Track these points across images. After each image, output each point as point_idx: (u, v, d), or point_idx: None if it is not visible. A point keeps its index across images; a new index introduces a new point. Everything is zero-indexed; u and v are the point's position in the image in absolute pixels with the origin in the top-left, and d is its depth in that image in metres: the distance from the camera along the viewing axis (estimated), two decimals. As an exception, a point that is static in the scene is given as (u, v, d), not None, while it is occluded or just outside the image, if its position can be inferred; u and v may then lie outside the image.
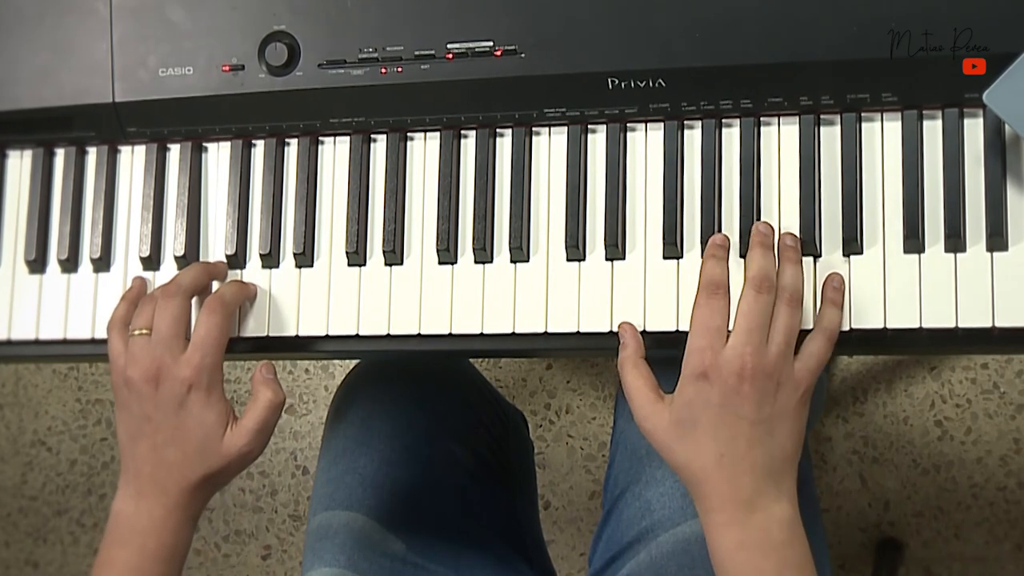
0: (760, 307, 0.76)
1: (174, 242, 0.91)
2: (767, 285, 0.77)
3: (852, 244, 0.80)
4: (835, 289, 0.79)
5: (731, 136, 0.83)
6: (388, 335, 0.86)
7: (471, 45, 0.84)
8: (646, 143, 0.85)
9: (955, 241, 0.78)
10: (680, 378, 0.77)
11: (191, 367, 0.82)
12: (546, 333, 0.84)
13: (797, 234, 0.81)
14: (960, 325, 0.78)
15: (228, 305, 0.84)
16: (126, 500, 0.83)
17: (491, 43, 0.83)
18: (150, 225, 0.91)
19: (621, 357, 0.80)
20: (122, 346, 0.84)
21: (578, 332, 0.83)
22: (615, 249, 0.83)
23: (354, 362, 1.12)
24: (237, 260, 0.90)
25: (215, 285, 0.89)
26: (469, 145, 0.87)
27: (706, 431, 0.75)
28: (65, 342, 0.92)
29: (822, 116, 0.82)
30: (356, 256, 0.87)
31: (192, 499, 0.83)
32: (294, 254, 0.89)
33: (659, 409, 0.78)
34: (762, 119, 0.83)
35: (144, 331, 0.83)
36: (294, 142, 0.90)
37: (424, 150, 0.88)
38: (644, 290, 0.83)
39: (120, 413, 0.84)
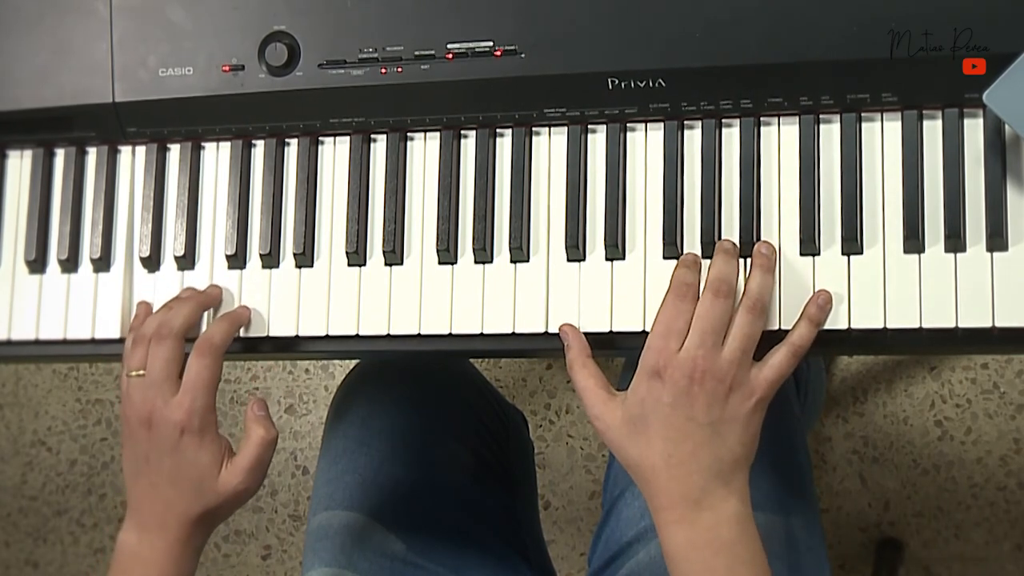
0: (716, 311, 0.77)
1: (174, 242, 0.91)
2: (725, 289, 0.77)
3: (852, 244, 0.80)
4: (818, 307, 0.79)
5: (731, 136, 0.83)
6: (388, 335, 0.86)
7: (471, 45, 0.84)
8: (646, 143, 0.85)
9: (955, 241, 0.78)
10: (635, 374, 0.78)
11: (182, 410, 0.82)
12: (546, 333, 0.84)
13: (797, 233, 0.81)
14: (960, 325, 0.78)
15: (217, 348, 0.84)
16: (130, 532, 0.84)
17: (491, 43, 0.83)
18: (150, 225, 0.91)
19: (568, 359, 0.81)
20: (125, 386, 0.85)
21: (578, 332, 0.83)
22: (615, 249, 0.83)
23: (354, 362, 1.12)
24: (237, 260, 0.90)
25: (220, 303, 0.89)
26: (469, 145, 0.87)
27: (656, 430, 0.76)
28: (65, 342, 0.92)
29: (822, 116, 0.82)
30: (356, 256, 0.87)
31: (192, 533, 0.84)
32: (294, 254, 0.89)
33: (611, 407, 0.78)
34: (762, 119, 0.83)
35: (139, 372, 0.84)
36: (294, 142, 0.90)
37: (424, 150, 0.88)
38: (644, 290, 0.83)
39: (124, 449, 0.85)
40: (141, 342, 0.85)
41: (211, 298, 0.88)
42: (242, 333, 0.88)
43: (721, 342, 0.77)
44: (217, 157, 0.91)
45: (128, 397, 0.84)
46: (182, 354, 0.84)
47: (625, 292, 0.83)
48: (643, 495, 0.78)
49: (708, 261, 0.81)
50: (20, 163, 0.95)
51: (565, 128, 0.85)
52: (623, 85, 0.82)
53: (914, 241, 0.79)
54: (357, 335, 0.87)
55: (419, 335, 0.86)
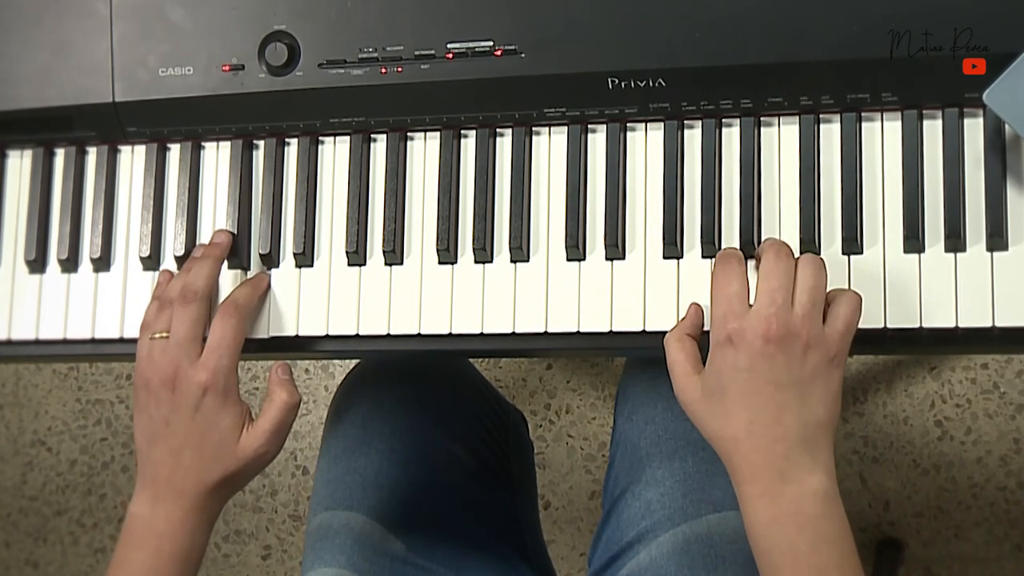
0: (781, 268, 0.76)
1: (174, 242, 0.91)
2: (786, 251, 0.77)
3: (852, 244, 0.80)
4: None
5: (731, 136, 0.83)
6: (388, 335, 0.86)
7: (471, 45, 0.84)
8: (646, 143, 0.85)
9: (955, 241, 0.78)
10: (709, 350, 0.77)
11: (207, 370, 0.82)
12: (546, 333, 0.84)
13: (797, 233, 0.81)
14: (960, 325, 0.78)
15: (242, 308, 0.85)
16: (143, 503, 0.83)
17: (491, 43, 0.83)
18: (150, 225, 0.91)
19: (669, 332, 0.80)
20: (146, 349, 0.85)
21: (578, 332, 0.83)
22: (615, 249, 0.83)
23: (354, 362, 1.12)
24: (238, 260, 0.90)
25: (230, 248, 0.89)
26: (469, 145, 0.87)
27: (735, 398, 0.74)
28: (65, 342, 0.92)
29: (822, 116, 0.82)
30: (356, 256, 0.87)
31: (209, 502, 0.83)
32: (294, 254, 0.89)
33: (693, 381, 0.77)
34: (762, 119, 0.83)
35: (163, 334, 0.84)
36: (294, 142, 0.90)
37: (424, 150, 0.88)
38: (644, 290, 0.83)
39: (138, 416, 0.84)
40: (163, 305, 0.85)
41: (223, 248, 0.88)
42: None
43: (791, 300, 0.75)
44: (217, 157, 0.91)
45: (150, 360, 0.83)
46: (207, 316, 0.85)
47: (625, 292, 0.83)
48: (726, 469, 0.76)
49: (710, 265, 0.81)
50: (20, 163, 0.95)
51: (565, 128, 0.85)
52: (623, 85, 0.82)
53: (914, 241, 0.79)
54: (357, 335, 0.87)
55: (419, 335, 0.86)
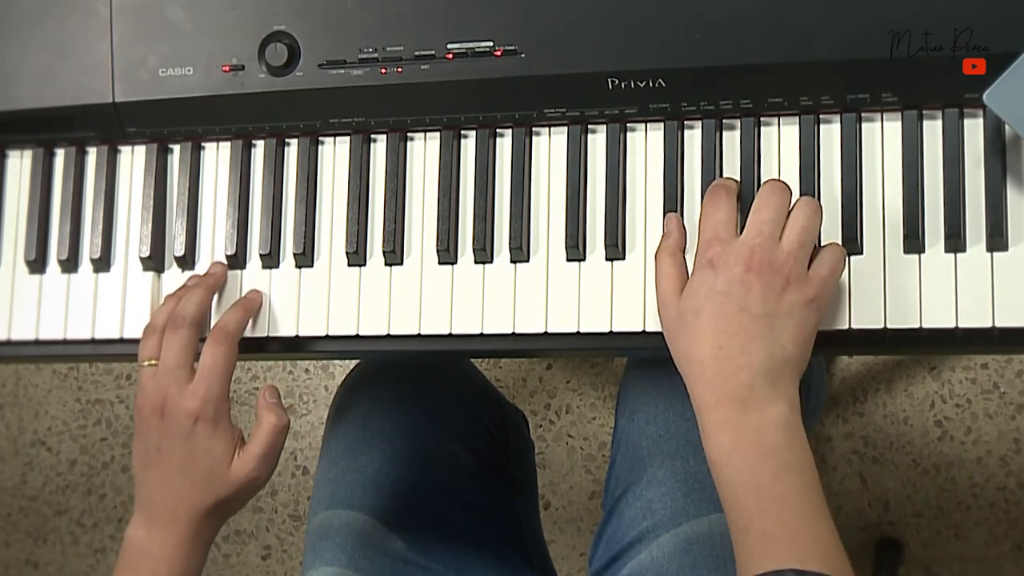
0: (774, 202, 0.76)
1: (174, 242, 0.91)
2: (782, 187, 0.77)
3: (852, 244, 0.80)
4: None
5: (731, 136, 0.83)
6: (388, 335, 0.86)
7: (471, 45, 0.84)
8: (646, 143, 0.85)
9: (955, 241, 0.78)
10: (691, 273, 0.77)
11: (197, 398, 0.82)
12: (546, 333, 0.84)
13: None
14: (960, 325, 0.78)
15: (232, 335, 0.85)
16: (139, 526, 0.84)
17: (491, 43, 0.83)
18: (150, 225, 0.91)
19: (660, 245, 0.80)
20: (141, 376, 0.85)
21: (578, 332, 0.83)
22: (615, 249, 0.83)
23: (354, 362, 1.12)
24: (237, 260, 0.90)
25: (226, 281, 0.89)
26: (469, 145, 0.87)
27: (708, 321, 0.74)
28: (65, 342, 0.92)
29: (822, 116, 0.82)
30: (356, 256, 0.87)
31: (202, 527, 0.84)
32: (294, 254, 0.89)
33: (674, 299, 0.77)
34: (762, 119, 0.83)
35: (152, 362, 0.84)
36: (294, 142, 0.90)
37: (424, 150, 0.88)
38: (644, 290, 0.83)
39: (135, 441, 0.85)
40: (153, 332, 0.85)
41: (218, 279, 0.88)
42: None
43: (779, 235, 0.75)
44: (217, 157, 0.91)
45: (141, 387, 0.84)
46: (196, 342, 0.84)
47: (625, 292, 0.83)
48: (690, 396, 0.75)
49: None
50: (20, 163, 0.95)
51: (565, 128, 0.85)
52: (623, 85, 0.82)
53: (914, 241, 0.79)
54: (357, 335, 0.87)
55: (419, 335, 0.86)
